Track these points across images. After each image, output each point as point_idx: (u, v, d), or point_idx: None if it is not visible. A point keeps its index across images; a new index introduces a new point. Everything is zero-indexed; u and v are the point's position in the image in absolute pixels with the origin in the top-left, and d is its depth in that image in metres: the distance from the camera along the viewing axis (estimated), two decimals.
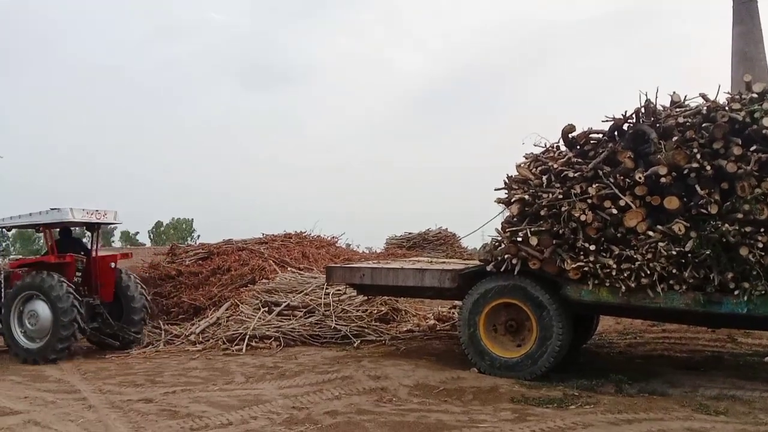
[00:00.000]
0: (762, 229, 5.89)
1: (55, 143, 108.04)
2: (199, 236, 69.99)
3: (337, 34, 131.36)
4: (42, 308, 9.18)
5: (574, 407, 5.86)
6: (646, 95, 6.78)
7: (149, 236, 75.44)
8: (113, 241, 74.17)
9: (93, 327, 9.85)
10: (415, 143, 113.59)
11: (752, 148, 6.04)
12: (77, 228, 11.68)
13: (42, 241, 9.97)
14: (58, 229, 10.44)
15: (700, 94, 6.70)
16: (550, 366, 6.84)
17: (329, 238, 16.59)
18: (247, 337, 9.63)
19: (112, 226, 11.06)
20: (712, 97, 6.56)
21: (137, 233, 76.82)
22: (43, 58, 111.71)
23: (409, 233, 22.91)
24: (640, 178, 6.40)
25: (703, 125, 6.31)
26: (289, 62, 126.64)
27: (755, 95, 6.34)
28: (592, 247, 6.50)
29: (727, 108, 6.31)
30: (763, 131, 6.02)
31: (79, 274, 10.05)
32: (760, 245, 5.88)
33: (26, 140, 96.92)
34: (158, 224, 76.72)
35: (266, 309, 10.47)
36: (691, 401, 5.93)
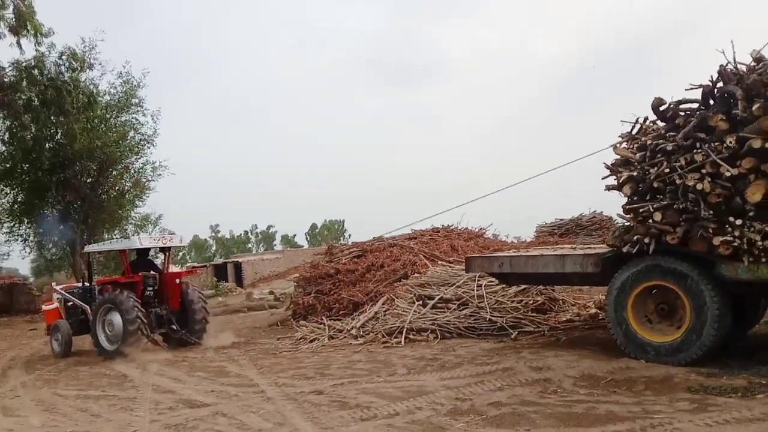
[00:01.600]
0: None
1: (210, 162, 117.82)
2: (350, 235, 73.02)
3: (470, 26, 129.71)
4: (116, 318, 11.12)
5: (762, 396, 5.34)
6: (723, 53, 6.37)
7: (306, 238, 79.92)
8: (275, 245, 79.52)
9: (161, 332, 11.74)
10: (563, 128, 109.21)
11: None
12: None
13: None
14: (134, 251, 12.56)
15: None
16: (716, 335, 6.32)
17: (477, 230, 16.52)
18: (405, 330, 9.88)
19: (181, 246, 14.06)
20: None
21: (295, 236, 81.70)
22: (195, 82, 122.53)
23: (561, 219, 22.11)
24: (731, 142, 5.94)
25: None
26: (427, 59, 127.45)
27: None
28: (738, 222, 5.99)
29: None
30: None
31: (151, 289, 11.82)
32: None
33: (189, 164, 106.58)
34: (313, 226, 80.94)
35: (420, 302, 10.66)
36: None
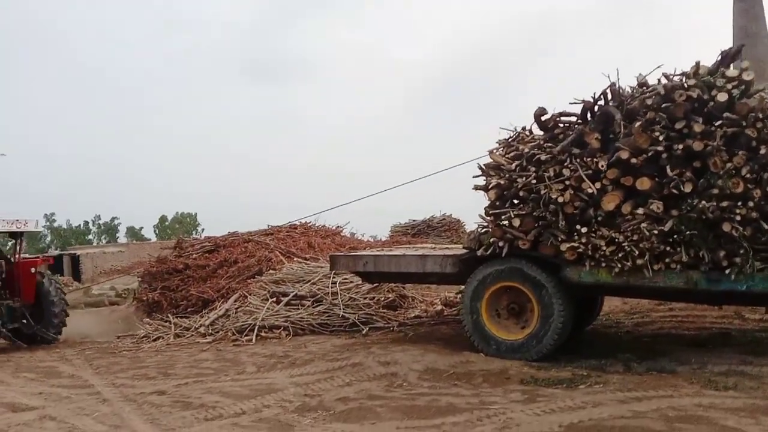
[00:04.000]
0: (739, 203, 5.92)
1: (56, 144, 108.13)
2: (203, 230, 70.18)
3: (336, 26, 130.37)
4: None
5: (583, 387, 5.89)
6: (608, 77, 6.87)
7: (154, 231, 75.54)
8: (118, 237, 74.57)
9: (13, 327, 10.56)
10: (417, 135, 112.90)
11: (717, 124, 6.06)
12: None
13: None
14: None
15: (662, 73, 6.68)
16: (554, 344, 6.87)
17: (334, 228, 16.68)
18: (257, 327, 9.71)
19: (36, 231, 12.23)
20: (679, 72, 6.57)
21: (142, 228, 77.08)
22: (43, 60, 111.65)
23: (414, 220, 22.93)
24: (602, 166, 6.46)
25: (663, 105, 6.33)
26: (289, 57, 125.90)
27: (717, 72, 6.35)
28: (584, 230, 6.55)
29: (684, 85, 6.33)
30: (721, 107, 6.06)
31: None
32: (738, 218, 5.90)
33: (26, 143, 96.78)
34: (163, 219, 76.70)
35: (274, 299, 10.54)
36: (700, 378, 5.95)
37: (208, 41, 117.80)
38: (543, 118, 7.24)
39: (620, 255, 6.36)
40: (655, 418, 4.91)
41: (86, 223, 78.73)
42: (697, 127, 6.07)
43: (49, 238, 73.24)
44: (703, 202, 5.98)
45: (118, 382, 7.38)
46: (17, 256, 11.21)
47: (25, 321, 10.63)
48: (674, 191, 6.15)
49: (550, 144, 6.96)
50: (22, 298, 10.76)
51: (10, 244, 12.05)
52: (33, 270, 10.91)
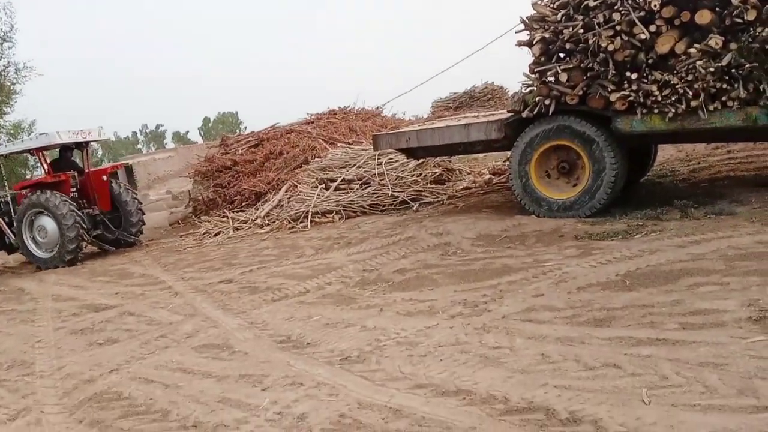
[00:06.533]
0: None
1: (95, 60, 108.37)
2: (245, 127, 70.78)
3: None
4: (49, 223, 10.48)
5: (639, 236, 5.86)
6: None
7: (199, 133, 76.76)
8: (165, 143, 76.07)
9: (96, 234, 11.02)
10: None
11: None
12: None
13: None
14: (56, 150, 11.56)
15: None
16: (607, 198, 6.78)
17: (374, 110, 16.42)
18: (310, 213, 9.94)
19: (98, 141, 12.07)
20: None
21: (187, 132, 78.31)
22: None
23: (455, 93, 22.35)
24: (655, 5, 5.97)
25: None
26: None
27: None
28: (634, 76, 6.22)
29: None
30: None
31: (74, 189, 11.01)
32: None
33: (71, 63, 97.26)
34: (206, 120, 77.62)
35: (323, 186, 10.68)
36: (761, 216, 5.81)
37: None
38: None
39: (674, 98, 6.08)
40: (715, 258, 4.87)
41: (134, 133, 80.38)
42: None
43: (100, 152, 75.28)
44: (767, 29, 5.55)
45: (186, 276, 7.77)
46: (87, 165, 11.50)
47: (103, 227, 11.10)
48: (737, 20, 5.71)
49: None
50: (99, 205, 11.19)
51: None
52: (104, 178, 11.25)
